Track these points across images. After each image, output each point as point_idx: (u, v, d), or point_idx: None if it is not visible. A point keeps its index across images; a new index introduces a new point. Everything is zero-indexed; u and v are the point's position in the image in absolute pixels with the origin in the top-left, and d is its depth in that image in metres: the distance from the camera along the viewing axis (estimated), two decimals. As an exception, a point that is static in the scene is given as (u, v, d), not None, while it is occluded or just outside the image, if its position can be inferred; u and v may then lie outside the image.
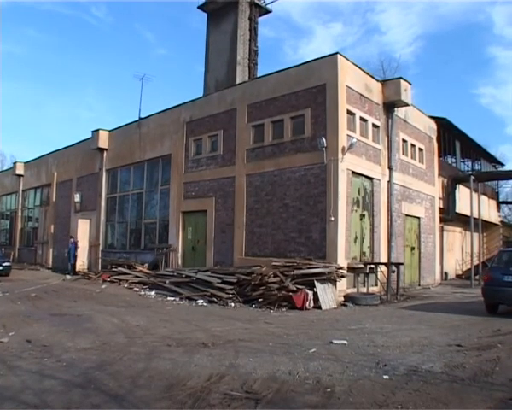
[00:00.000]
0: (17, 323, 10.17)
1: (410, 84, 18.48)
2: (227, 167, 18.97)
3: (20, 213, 35.32)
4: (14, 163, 36.67)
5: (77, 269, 24.57)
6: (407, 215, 19.79)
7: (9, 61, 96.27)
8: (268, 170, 17.41)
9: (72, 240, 25.32)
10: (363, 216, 16.97)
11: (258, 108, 18.10)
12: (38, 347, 7.96)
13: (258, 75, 20.82)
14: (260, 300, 14.22)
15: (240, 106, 18.80)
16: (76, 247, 25.15)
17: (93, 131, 26.39)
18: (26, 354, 7.42)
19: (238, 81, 20.61)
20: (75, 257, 24.96)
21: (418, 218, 20.88)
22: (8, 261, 24.00)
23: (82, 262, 25.49)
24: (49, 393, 5.63)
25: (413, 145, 20.54)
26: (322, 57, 16.59)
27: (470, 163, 31.79)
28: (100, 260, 25.05)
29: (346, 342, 8.67)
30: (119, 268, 20.98)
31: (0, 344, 8.07)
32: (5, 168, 49.03)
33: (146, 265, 21.21)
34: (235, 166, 18.66)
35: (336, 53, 16.14)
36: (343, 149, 15.58)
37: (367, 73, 17.73)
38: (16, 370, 6.57)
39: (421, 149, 21.24)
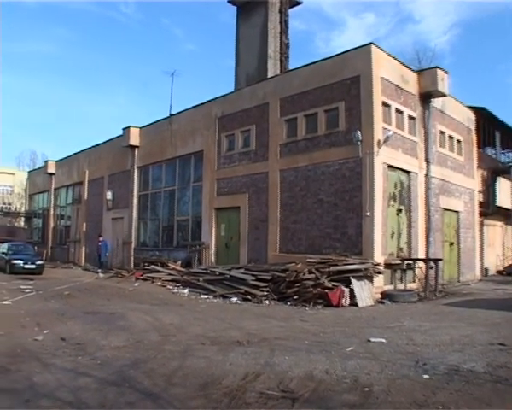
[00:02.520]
0: (51, 321, 10.33)
1: (447, 73, 18.09)
2: (260, 163, 18.96)
3: (52, 212, 36.04)
4: (46, 162, 37.48)
5: (110, 267, 24.94)
6: (445, 209, 19.41)
7: (39, 60, 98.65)
8: (302, 165, 17.33)
9: (101, 238, 25.71)
10: (399, 211, 16.73)
11: (290, 102, 18.02)
12: (72, 345, 8.07)
13: (290, 68, 20.64)
14: (295, 297, 14.19)
15: (272, 100, 18.76)
16: (106, 245, 25.49)
17: (124, 129, 26.76)
18: (61, 352, 7.53)
19: (269, 75, 20.47)
20: (106, 255, 25.30)
21: (457, 212, 20.45)
22: (41, 260, 24.49)
23: (108, 258, 25.81)
24: (83, 391, 5.70)
25: (451, 137, 20.12)
26: (355, 48, 16.38)
27: (511, 154, 30.95)
28: (132, 258, 25.38)
29: (383, 340, 8.56)
30: (152, 266, 21.19)
31: (35, 342, 8.20)
32: (37, 167, 49.92)
33: (179, 262, 21.35)
34: (268, 161, 18.63)
35: (370, 43, 15.93)
36: (379, 142, 15.39)
37: (402, 64, 17.44)
38: (51, 367, 6.67)
39: (459, 141, 20.78)
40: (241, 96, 20.51)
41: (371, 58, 15.66)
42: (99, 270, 24.32)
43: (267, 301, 14.36)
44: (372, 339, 8.60)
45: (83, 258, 30.32)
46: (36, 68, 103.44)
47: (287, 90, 18.27)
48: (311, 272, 14.33)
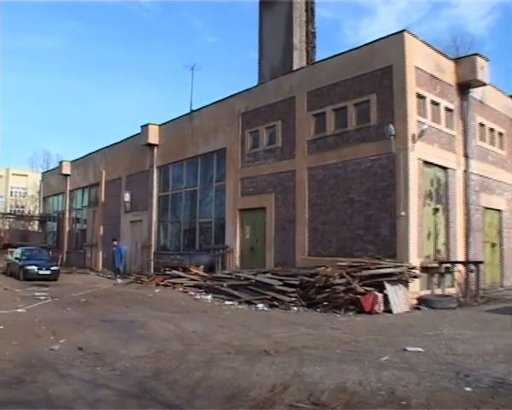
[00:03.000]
0: (67, 329, 10.46)
1: (487, 60, 17.73)
2: (286, 161, 18.95)
3: (67, 215, 36.48)
4: (61, 162, 37.88)
5: (129, 273, 25.11)
6: (486, 208, 19.08)
7: (52, 55, 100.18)
8: (331, 162, 17.27)
9: (115, 243, 25.86)
10: (436, 210, 16.53)
11: (318, 96, 17.97)
12: (90, 354, 8.16)
13: (317, 60, 20.58)
14: (325, 303, 14.13)
15: (298, 93, 18.73)
16: (120, 250, 25.47)
17: (142, 126, 26.98)
18: (78, 362, 7.62)
19: (295, 67, 20.44)
20: (120, 261, 25.21)
21: (499, 211, 20.08)
22: (57, 265, 24.78)
23: (123, 264, 25.76)
24: (102, 403, 5.74)
25: (492, 129, 19.77)
26: (387, 36, 16.23)
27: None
28: (152, 263, 25.60)
29: (421, 349, 8.47)
30: (173, 271, 21.36)
31: (51, 352, 8.31)
32: (51, 168, 50.68)
33: (201, 267, 21.44)
34: (295, 159, 18.61)
35: (403, 30, 15.78)
36: (413, 136, 15.24)
37: (438, 51, 17.22)
38: (68, 378, 6.74)
39: (501, 134, 20.41)
40: (265, 90, 20.52)
41: (404, 46, 15.51)
42: (117, 275, 24.49)
43: (295, 308, 14.33)
44: (408, 348, 8.52)
45: (100, 263, 30.64)
46: (49, 65, 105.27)
47: (314, 82, 18.21)
48: (341, 277, 14.24)
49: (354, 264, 14.72)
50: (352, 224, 16.48)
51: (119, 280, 23.35)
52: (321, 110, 17.81)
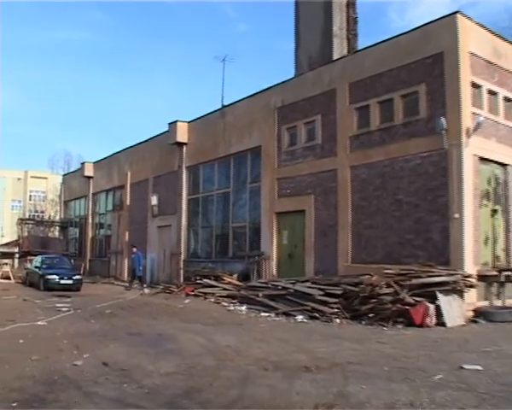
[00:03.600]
0: (91, 344, 10.57)
1: (554, 41, 17.40)
2: (327, 159, 18.87)
3: (90, 220, 37.07)
4: (83, 164, 38.43)
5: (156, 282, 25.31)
6: (552, 209, 18.64)
7: (73, 48, 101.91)
8: (376, 160, 17.14)
9: (134, 250, 26.01)
10: (494, 212, 16.23)
11: (361, 87, 17.87)
12: (116, 371, 8.21)
13: (360, 48, 20.43)
14: (371, 315, 14.04)
15: (339, 85, 18.66)
16: (140, 257, 25.52)
17: (170, 124, 27.19)
18: (103, 379, 7.66)
19: (335, 56, 20.32)
20: (140, 269, 25.27)
21: None
22: (79, 274, 25.13)
23: (142, 272, 25.84)
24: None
25: (557, 121, 19.32)
26: (437, 19, 16.01)
27: None
28: (182, 272, 25.79)
29: (479, 367, 8.31)
30: (205, 280, 21.45)
31: (74, 368, 8.38)
32: (72, 170, 51.48)
33: (235, 275, 21.53)
34: (336, 157, 18.53)
35: (455, 12, 15.54)
36: (467, 130, 15.02)
37: (495, 34, 16.88)
38: (93, 397, 6.79)
39: None
40: (303, 83, 20.49)
41: (457, 30, 15.27)
42: (142, 285, 24.62)
43: (338, 320, 14.27)
44: (465, 366, 8.37)
45: (125, 272, 30.92)
46: (69, 59, 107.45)
47: (357, 73, 18.11)
48: (388, 286, 14.12)
49: (402, 272, 14.57)
50: (400, 228, 16.31)
51: (146, 290, 23.55)
52: (364, 103, 17.68)
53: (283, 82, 21.40)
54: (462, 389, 7.04)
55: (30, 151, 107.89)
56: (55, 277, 23.32)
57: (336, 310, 14.67)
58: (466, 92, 15.26)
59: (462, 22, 15.50)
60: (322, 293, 15.34)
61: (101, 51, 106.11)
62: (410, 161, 16.16)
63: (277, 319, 15.08)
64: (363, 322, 13.94)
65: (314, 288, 15.80)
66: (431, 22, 16.20)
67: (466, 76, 15.30)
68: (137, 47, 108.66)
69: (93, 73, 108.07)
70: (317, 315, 14.70)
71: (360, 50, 19.45)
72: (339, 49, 21.09)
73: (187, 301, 19.33)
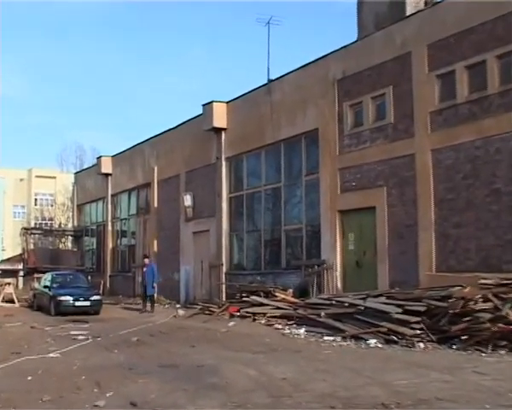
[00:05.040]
0: (116, 379, 10.61)
1: None
2: (401, 141, 18.69)
3: (110, 227, 37.54)
4: (99, 158, 38.90)
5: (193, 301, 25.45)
6: None
7: (83, 20, 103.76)
8: (465, 140, 16.83)
9: (146, 261, 26.23)
10: None
11: (443, 49, 17.61)
12: (147, 412, 8.21)
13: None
14: (464, 337, 13.76)
15: (415, 48, 18.41)
16: (153, 271, 25.68)
17: (204, 105, 27.21)
18: (132, 424, 7.69)
19: (409, 12, 20.09)
20: (153, 286, 25.44)
21: None
22: (98, 294, 25.50)
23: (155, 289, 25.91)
24: None
25: None
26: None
27: None
28: (224, 287, 25.86)
29: None
30: (252, 297, 21.46)
31: (95, 410, 8.43)
32: (86, 166, 52.35)
33: (290, 291, 21.51)
34: (413, 138, 18.33)
35: None
36: None
37: None
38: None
39: None
40: (369, 47, 20.32)
41: None
42: (151, 307, 24.74)
43: (421, 344, 14.07)
44: None
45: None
46: (80, 34, 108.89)
47: (437, 31, 17.82)
48: (486, 300, 13.89)
49: (504, 282, 14.40)
50: (499, 226, 15.99)
51: (181, 311, 23.69)
52: (448, 68, 17.40)
53: (344, 47, 21.21)
54: None
55: (34, 145, 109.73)
56: (68, 298, 23.67)
57: (419, 332, 14.45)
58: None
59: None
60: (400, 310, 15.12)
61: (118, 23, 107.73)
62: (510, 140, 15.82)
63: (344, 343, 15.00)
64: (454, 346, 13.70)
65: (390, 304, 15.65)
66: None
67: None
68: (163, 15, 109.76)
69: (109, 50, 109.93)
70: (395, 338, 14.56)
71: (441, 1, 19.09)
72: (413, 2, 20.81)
73: (231, 323, 19.42)
